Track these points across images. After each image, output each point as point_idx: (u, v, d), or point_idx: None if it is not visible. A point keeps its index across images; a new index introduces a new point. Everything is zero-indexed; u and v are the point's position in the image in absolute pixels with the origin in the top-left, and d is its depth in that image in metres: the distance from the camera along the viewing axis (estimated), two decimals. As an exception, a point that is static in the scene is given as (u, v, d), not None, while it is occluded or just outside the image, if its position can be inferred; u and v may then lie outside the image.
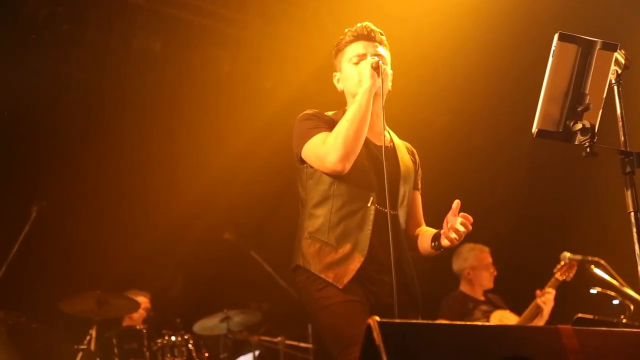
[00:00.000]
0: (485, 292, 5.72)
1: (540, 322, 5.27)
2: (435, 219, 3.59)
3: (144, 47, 6.36)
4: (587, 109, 2.59)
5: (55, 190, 6.28)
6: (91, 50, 6.29)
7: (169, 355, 5.81)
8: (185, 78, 6.71)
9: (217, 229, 6.75)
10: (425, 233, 3.25)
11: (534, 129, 2.60)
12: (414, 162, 3.31)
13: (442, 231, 3.04)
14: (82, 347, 5.48)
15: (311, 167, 3.11)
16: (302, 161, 3.13)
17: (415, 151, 3.38)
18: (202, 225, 6.89)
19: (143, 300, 6.25)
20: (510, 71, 6.62)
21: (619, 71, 2.69)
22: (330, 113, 3.22)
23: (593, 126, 2.57)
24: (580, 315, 5.00)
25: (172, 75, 6.67)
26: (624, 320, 4.81)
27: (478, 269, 5.68)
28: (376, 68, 3.06)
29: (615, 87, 2.70)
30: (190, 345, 5.92)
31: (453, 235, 2.98)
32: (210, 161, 6.93)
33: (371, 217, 3.05)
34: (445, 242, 3.04)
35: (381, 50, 3.20)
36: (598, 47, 2.60)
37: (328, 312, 2.96)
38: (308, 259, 3.05)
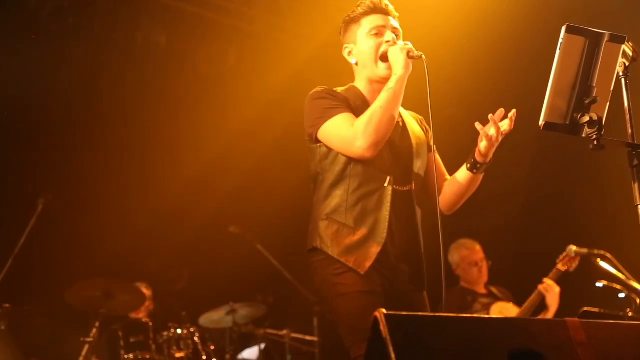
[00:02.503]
0: (488, 285, 5.71)
1: (548, 317, 5.25)
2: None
3: (150, 41, 6.36)
4: (594, 101, 2.58)
5: (61, 184, 6.29)
6: (96, 44, 6.29)
7: (174, 348, 5.83)
8: (190, 72, 6.70)
9: (223, 223, 6.75)
10: (452, 178, 3.20)
11: (541, 122, 2.60)
12: (424, 131, 3.25)
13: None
14: (89, 339, 5.50)
15: (326, 147, 3.04)
16: (316, 141, 3.06)
17: (422, 118, 3.32)
18: (208, 218, 6.89)
19: (145, 291, 6.26)
20: (516, 64, 6.60)
21: (627, 64, 2.68)
22: (340, 89, 3.15)
23: (600, 119, 2.57)
24: (586, 308, 5.00)
25: (177, 69, 6.66)
26: (630, 314, 4.81)
27: (462, 266, 5.68)
28: (412, 57, 3.00)
29: (623, 80, 2.69)
30: (196, 338, 5.95)
31: (492, 132, 2.96)
32: (217, 155, 6.93)
33: (389, 197, 2.99)
34: (482, 145, 3.01)
35: (395, 23, 3.16)
36: (606, 39, 2.59)
37: (344, 301, 2.91)
38: (326, 241, 2.98)
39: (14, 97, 6.08)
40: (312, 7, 6.44)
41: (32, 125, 6.39)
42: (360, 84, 3.18)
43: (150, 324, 5.85)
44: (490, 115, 3.01)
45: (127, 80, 6.57)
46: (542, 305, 5.29)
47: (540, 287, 5.27)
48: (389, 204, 2.98)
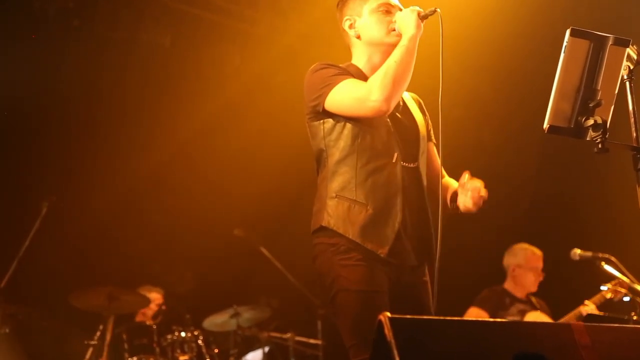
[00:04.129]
0: (529, 295, 5.68)
1: None
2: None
3: (153, 42, 6.37)
4: (598, 104, 2.58)
5: (65, 186, 6.30)
6: (100, 45, 6.30)
7: (178, 351, 5.83)
8: (194, 73, 6.71)
9: (227, 225, 6.75)
10: (447, 188, 3.10)
11: (546, 125, 2.59)
12: (424, 113, 3.19)
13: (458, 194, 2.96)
14: (93, 342, 5.51)
15: (331, 121, 2.95)
16: (322, 115, 2.96)
17: (421, 100, 3.25)
18: (212, 221, 6.89)
19: (156, 296, 6.27)
20: (521, 66, 6.60)
21: (631, 67, 2.68)
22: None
23: (605, 122, 2.57)
24: (590, 311, 5.00)
25: (180, 70, 6.67)
26: (635, 317, 4.81)
27: (524, 269, 5.64)
28: (424, 16, 2.95)
29: (627, 83, 2.68)
30: (200, 341, 5.94)
31: (469, 205, 2.88)
32: (221, 157, 6.93)
33: (399, 173, 2.91)
34: (462, 208, 2.93)
35: (399, 4, 3.11)
36: (610, 42, 2.59)
37: (345, 297, 2.81)
38: (337, 221, 2.87)
39: (15, 98, 6.07)
40: (314, 7, 6.45)
41: (34, 127, 6.40)
42: (360, 61, 3.10)
43: (155, 327, 5.85)
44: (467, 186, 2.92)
45: (132, 81, 6.58)
46: None
47: (582, 309, 5.18)
48: (399, 180, 2.91)
